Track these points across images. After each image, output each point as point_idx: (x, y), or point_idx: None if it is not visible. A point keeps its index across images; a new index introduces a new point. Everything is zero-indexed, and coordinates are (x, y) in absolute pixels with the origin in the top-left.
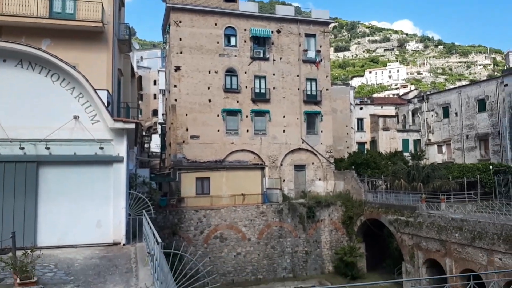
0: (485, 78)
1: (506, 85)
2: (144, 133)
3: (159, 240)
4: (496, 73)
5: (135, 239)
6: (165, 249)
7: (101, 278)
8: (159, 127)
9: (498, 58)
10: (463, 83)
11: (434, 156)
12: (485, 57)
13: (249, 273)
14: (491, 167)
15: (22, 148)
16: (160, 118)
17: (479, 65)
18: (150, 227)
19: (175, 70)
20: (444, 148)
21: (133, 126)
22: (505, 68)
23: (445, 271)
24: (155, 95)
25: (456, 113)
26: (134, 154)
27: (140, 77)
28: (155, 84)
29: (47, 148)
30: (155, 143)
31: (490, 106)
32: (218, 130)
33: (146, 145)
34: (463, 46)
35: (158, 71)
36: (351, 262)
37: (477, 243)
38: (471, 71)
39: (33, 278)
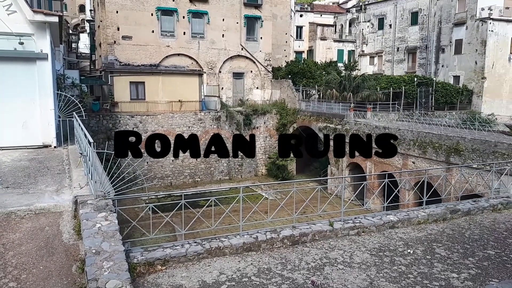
0: None
1: None
2: (70, 31)
3: (91, 140)
4: None
5: (67, 142)
6: (99, 154)
7: (32, 179)
8: (87, 25)
9: None
10: None
11: (366, 67)
12: None
13: (187, 176)
14: (415, 79)
15: None
16: (88, 15)
17: None
18: (82, 129)
19: None
20: (376, 60)
21: (56, 19)
22: None
23: (365, 173)
24: None
25: (390, 25)
26: (60, 54)
27: None
28: None
29: None
30: (83, 43)
31: (422, 19)
32: (153, 31)
33: (73, 45)
34: None
35: None
36: (282, 165)
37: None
38: None
39: None
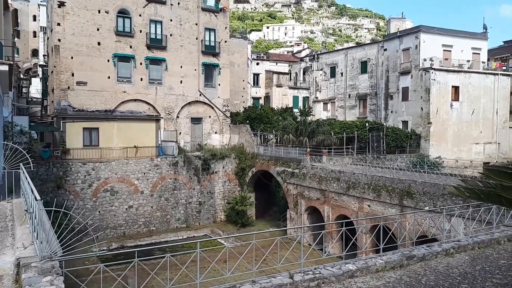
0: (368, 41)
1: (385, 49)
2: (22, 76)
3: (38, 197)
4: (378, 37)
5: (11, 195)
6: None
7: None
8: (40, 70)
9: (382, 23)
10: (350, 44)
11: (320, 113)
12: (370, 21)
13: (141, 225)
14: (367, 124)
15: None
16: (41, 60)
17: (365, 28)
18: (28, 182)
19: (59, 6)
20: (329, 106)
21: (5, 68)
22: (386, 34)
23: (323, 217)
24: (35, 32)
25: (342, 73)
26: (9, 100)
27: (15, 10)
28: (35, 20)
29: None
30: (35, 88)
31: (371, 68)
32: (109, 77)
33: (24, 90)
34: (353, 9)
35: (39, 5)
36: (242, 210)
37: (351, 192)
38: (358, 33)
39: None
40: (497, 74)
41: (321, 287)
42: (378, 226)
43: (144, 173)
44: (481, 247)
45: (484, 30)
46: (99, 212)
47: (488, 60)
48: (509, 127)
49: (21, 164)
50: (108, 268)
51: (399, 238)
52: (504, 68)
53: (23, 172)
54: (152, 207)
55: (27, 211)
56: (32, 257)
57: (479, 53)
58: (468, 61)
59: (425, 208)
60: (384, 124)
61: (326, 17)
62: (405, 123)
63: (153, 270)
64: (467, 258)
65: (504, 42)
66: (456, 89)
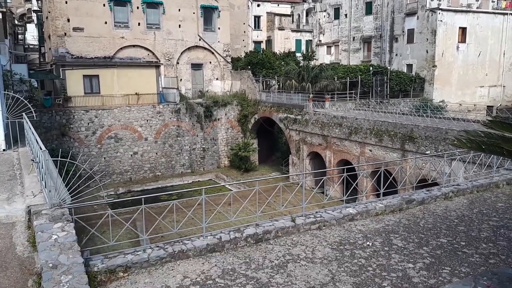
0: None
1: None
2: (16, 22)
3: (43, 147)
4: None
5: (17, 144)
6: (53, 152)
7: None
8: (34, 16)
9: None
10: None
11: (323, 57)
12: None
13: (147, 170)
14: (371, 68)
15: None
16: (35, 5)
17: None
18: (33, 132)
19: None
20: (332, 49)
21: None
22: None
23: (325, 162)
24: None
25: (346, 15)
26: (6, 48)
27: None
28: None
29: None
30: (31, 35)
31: (376, 9)
32: (106, 22)
33: (20, 37)
34: None
35: None
36: (245, 156)
37: (353, 137)
38: None
39: None
40: (507, 14)
41: (322, 230)
42: (379, 170)
43: (147, 120)
44: (480, 191)
45: None
46: (104, 158)
47: None
48: None
49: (23, 114)
50: (116, 212)
51: (400, 182)
52: None
53: (27, 122)
54: (156, 153)
55: (33, 160)
56: (42, 205)
57: None
58: (477, 0)
59: (427, 152)
60: (388, 68)
61: None
62: (409, 66)
63: (160, 213)
64: (465, 202)
65: None
66: (463, 30)
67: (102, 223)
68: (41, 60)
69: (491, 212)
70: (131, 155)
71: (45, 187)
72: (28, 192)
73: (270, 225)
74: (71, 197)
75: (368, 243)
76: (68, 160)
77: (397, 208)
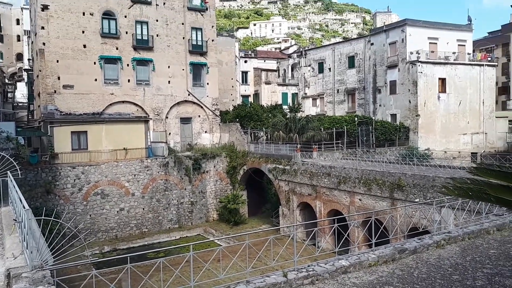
0: (355, 36)
1: (372, 44)
2: (6, 81)
3: (26, 206)
4: (365, 32)
5: (0, 203)
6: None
7: None
8: (25, 74)
9: (368, 17)
10: (337, 40)
11: (309, 108)
12: (356, 16)
13: (133, 227)
14: (356, 118)
15: None
16: (26, 64)
17: (352, 23)
18: (16, 191)
19: (42, 10)
20: (318, 101)
21: None
22: (372, 28)
23: (315, 212)
24: (19, 36)
25: (329, 69)
26: None
27: None
28: (19, 23)
29: None
30: (21, 93)
31: (358, 63)
32: (96, 80)
33: (10, 95)
34: (339, 3)
35: (22, 8)
36: (234, 208)
37: (342, 186)
38: (345, 28)
39: None
40: (483, 65)
41: (315, 284)
42: (370, 220)
43: (135, 175)
44: (471, 238)
45: (469, 22)
46: (90, 216)
47: (474, 51)
48: (496, 117)
49: (8, 172)
50: (101, 272)
51: (391, 231)
52: (489, 58)
53: (11, 180)
54: (143, 208)
55: (16, 220)
56: (23, 267)
57: (464, 45)
58: (454, 53)
59: (416, 200)
60: (373, 118)
61: (312, 12)
62: (393, 116)
63: (147, 272)
64: (457, 249)
65: (488, 33)
66: (443, 81)
67: (86, 284)
68: (30, 117)
69: (484, 259)
70: (117, 211)
71: (27, 248)
72: (9, 254)
73: (261, 282)
74: (54, 257)
75: None
76: (52, 218)
77: (390, 258)
